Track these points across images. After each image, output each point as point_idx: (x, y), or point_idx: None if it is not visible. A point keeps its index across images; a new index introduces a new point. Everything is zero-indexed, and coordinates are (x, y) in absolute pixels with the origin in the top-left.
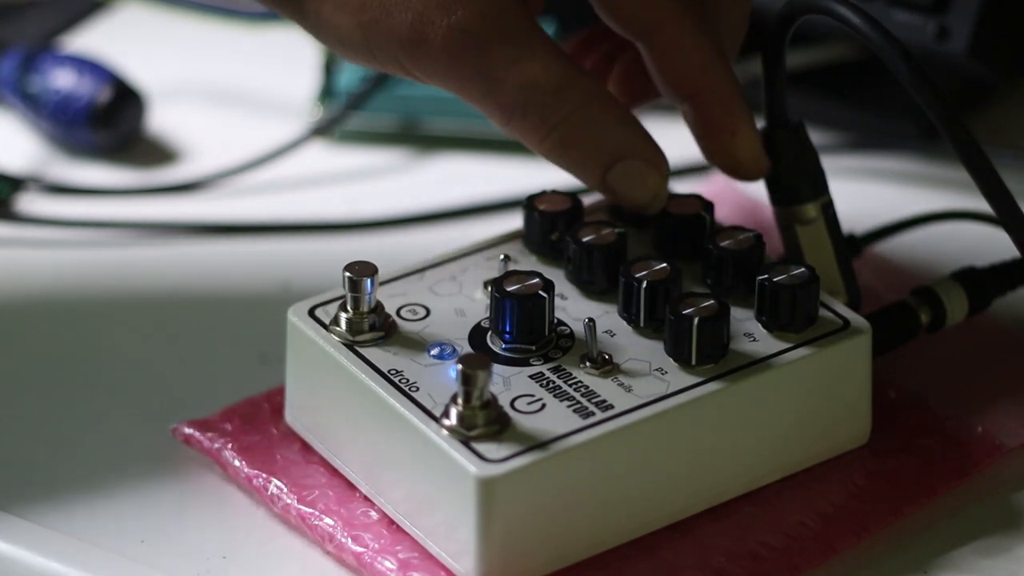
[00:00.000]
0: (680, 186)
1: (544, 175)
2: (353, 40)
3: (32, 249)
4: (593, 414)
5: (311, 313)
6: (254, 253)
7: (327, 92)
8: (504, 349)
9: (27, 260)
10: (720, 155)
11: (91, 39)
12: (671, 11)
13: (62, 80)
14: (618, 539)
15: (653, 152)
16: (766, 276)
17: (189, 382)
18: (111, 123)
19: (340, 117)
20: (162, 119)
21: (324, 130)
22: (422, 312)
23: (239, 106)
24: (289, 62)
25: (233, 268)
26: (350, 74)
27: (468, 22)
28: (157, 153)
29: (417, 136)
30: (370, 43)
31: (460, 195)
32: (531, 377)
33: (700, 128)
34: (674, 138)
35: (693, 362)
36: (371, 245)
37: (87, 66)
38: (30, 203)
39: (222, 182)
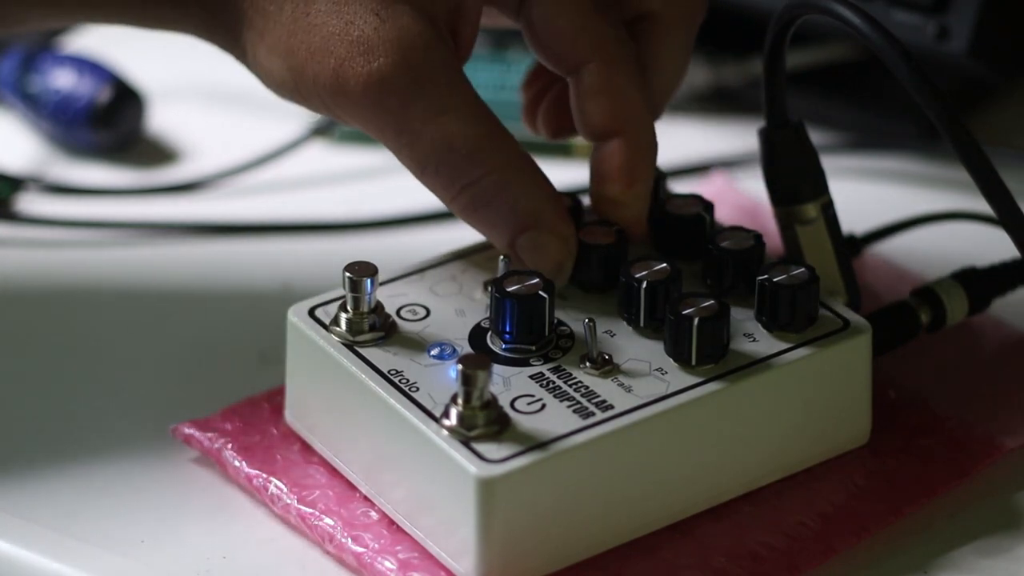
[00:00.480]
0: (680, 186)
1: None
2: (284, 83)
3: (32, 249)
4: (593, 414)
5: (311, 313)
6: (254, 253)
7: None
8: (504, 349)
9: (27, 260)
10: (605, 204)
11: (91, 39)
12: (599, 53)
13: (62, 80)
14: (618, 539)
15: (561, 223)
16: (766, 276)
17: (189, 382)
18: (111, 123)
19: None
20: (162, 119)
21: (324, 130)
22: (422, 312)
23: (239, 106)
24: None
25: (233, 268)
26: None
27: (388, 71)
28: (157, 153)
29: None
30: (298, 86)
31: None
32: (531, 377)
33: (599, 173)
34: (673, 136)
35: (693, 362)
36: (371, 245)
37: (87, 66)
38: (30, 203)
39: (222, 182)
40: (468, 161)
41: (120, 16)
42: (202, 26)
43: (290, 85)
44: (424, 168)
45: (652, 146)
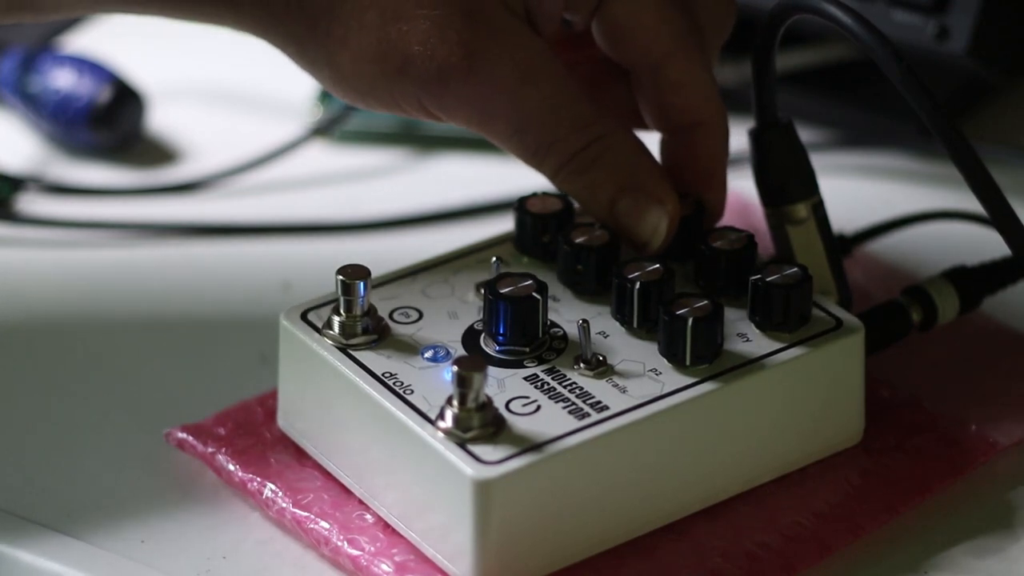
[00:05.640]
0: None
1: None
2: (374, 89)
3: (32, 249)
4: (588, 415)
5: (304, 317)
6: (254, 253)
7: (327, 92)
8: (498, 351)
9: (27, 260)
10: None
11: (91, 39)
12: (680, 45)
13: (62, 80)
14: (614, 540)
15: (661, 188)
16: (759, 276)
17: (189, 383)
18: (111, 123)
19: (340, 117)
20: (162, 119)
21: (324, 130)
22: (415, 315)
23: (239, 106)
24: (289, 62)
25: (233, 268)
26: None
27: (495, 68)
28: (157, 153)
29: (417, 136)
30: (393, 91)
31: (461, 195)
32: (525, 379)
33: (682, 163)
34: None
35: (687, 362)
36: (371, 246)
37: (87, 66)
38: (30, 203)
39: (222, 182)
40: (577, 133)
41: (162, 7)
42: (259, 27)
43: (383, 89)
44: (536, 152)
45: (727, 134)
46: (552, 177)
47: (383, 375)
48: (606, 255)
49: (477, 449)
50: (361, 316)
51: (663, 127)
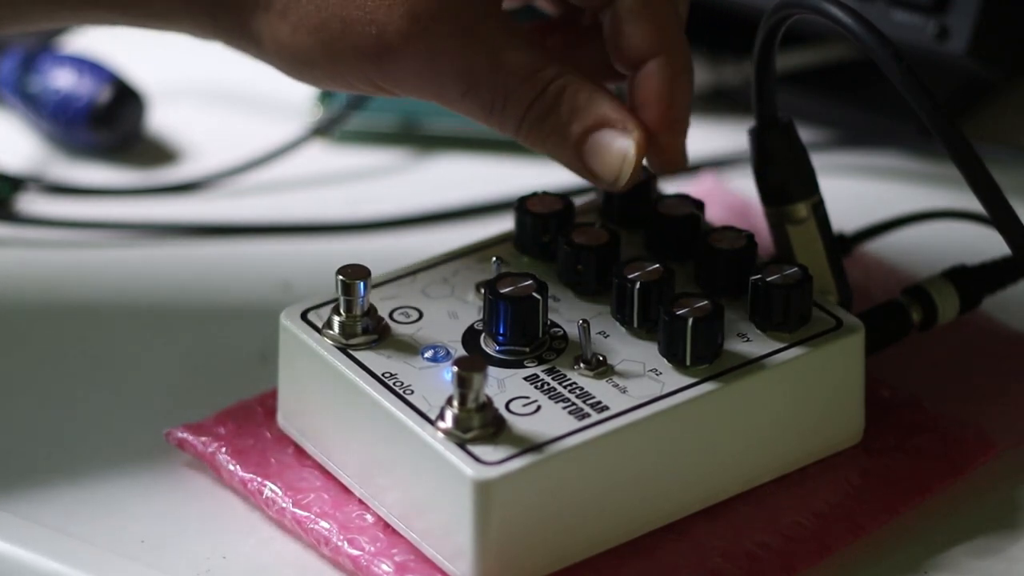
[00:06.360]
0: (670, 186)
1: (545, 175)
2: (314, 60)
3: (32, 249)
4: (588, 416)
5: (304, 317)
6: (254, 253)
7: (327, 92)
8: (498, 351)
9: (27, 260)
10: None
11: (91, 39)
12: None
13: (62, 80)
14: (614, 540)
15: (626, 120)
16: (759, 276)
17: (189, 383)
18: (111, 123)
19: (340, 117)
20: (162, 119)
21: (324, 130)
22: (415, 315)
23: (239, 106)
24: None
25: (233, 268)
26: None
27: (437, 27)
28: (157, 153)
29: (417, 136)
30: (334, 61)
31: (461, 195)
32: (526, 379)
33: (638, 101)
34: None
35: (687, 363)
36: (371, 246)
37: (87, 66)
38: (30, 203)
39: (222, 182)
40: (530, 83)
41: (122, 14)
42: (204, 19)
43: (323, 61)
44: (491, 109)
45: (690, 68)
46: (515, 134)
47: (383, 375)
48: (606, 255)
49: (477, 449)
50: (361, 316)
51: (625, 63)
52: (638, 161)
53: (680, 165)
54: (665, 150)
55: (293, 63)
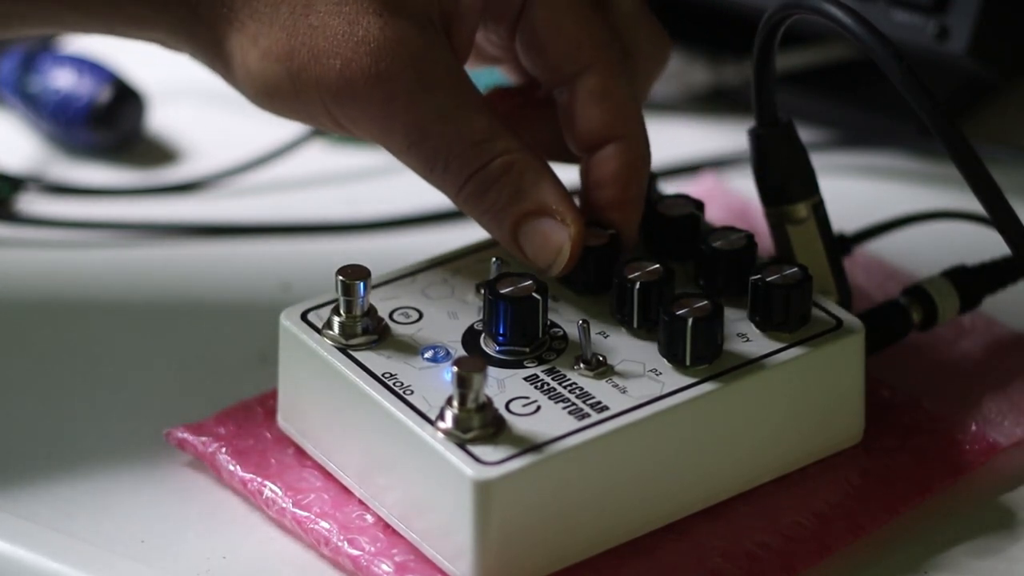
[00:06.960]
0: (670, 187)
1: None
2: (280, 89)
3: (32, 249)
4: (588, 416)
5: (304, 317)
6: (254, 253)
7: None
8: (498, 351)
9: (27, 260)
10: (599, 211)
11: (91, 39)
12: (600, 57)
13: (62, 80)
14: (614, 540)
15: (567, 210)
16: (759, 276)
17: (189, 382)
18: (111, 123)
19: None
20: (162, 119)
21: (324, 130)
22: (415, 315)
23: (239, 106)
24: None
25: (233, 268)
26: None
27: (396, 71)
28: (157, 153)
29: None
30: (297, 91)
31: None
32: (525, 379)
33: (594, 180)
34: (667, 136)
35: (687, 363)
36: (371, 246)
37: (87, 66)
38: (30, 203)
39: (222, 182)
40: (476, 151)
41: (87, 14)
42: (180, 29)
43: (288, 90)
44: (433, 166)
45: (647, 153)
46: (454, 197)
47: (383, 375)
48: (606, 255)
49: (477, 450)
50: (361, 316)
51: (581, 144)
52: (572, 255)
53: (632, 243)
54: (618, 227)
55: (259, 91)
